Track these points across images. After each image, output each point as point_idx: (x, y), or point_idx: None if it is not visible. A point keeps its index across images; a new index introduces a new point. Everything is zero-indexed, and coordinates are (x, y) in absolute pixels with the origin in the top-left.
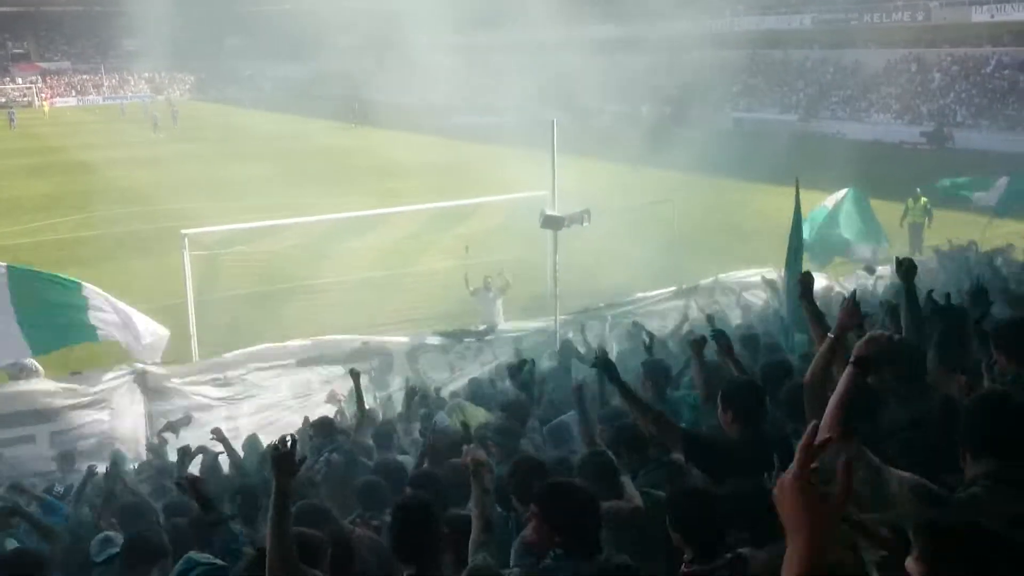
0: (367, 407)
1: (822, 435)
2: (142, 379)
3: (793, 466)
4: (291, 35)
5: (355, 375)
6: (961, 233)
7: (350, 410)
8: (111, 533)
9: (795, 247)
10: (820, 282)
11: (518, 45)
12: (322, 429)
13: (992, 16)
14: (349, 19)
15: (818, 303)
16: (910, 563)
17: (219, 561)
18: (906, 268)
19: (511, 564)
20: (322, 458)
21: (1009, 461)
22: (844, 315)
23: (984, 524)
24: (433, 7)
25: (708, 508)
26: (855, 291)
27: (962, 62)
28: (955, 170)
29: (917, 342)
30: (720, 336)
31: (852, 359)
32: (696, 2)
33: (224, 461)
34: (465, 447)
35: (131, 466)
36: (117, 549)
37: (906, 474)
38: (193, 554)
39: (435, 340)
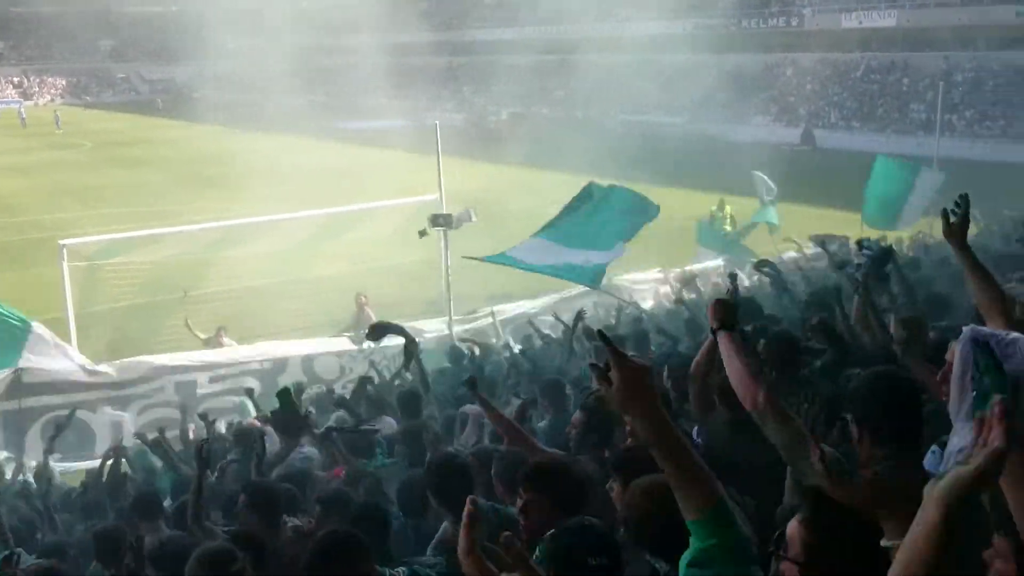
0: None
1: (748, 402)
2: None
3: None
4: (168, 37)
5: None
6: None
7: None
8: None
9: None
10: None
11: (403, 48)
12: (240, 438)
13: (860, 23)
14: (226, 21)
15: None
16: (793, 524)
17: None
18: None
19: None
20: (219, 464)
21: (907, 443)
22: (713, 311)
23: (863, 516)
24: (315, 8)
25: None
26: (731, 288)
27: (834, 66)
28: (828, 169)
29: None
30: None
31: (712, 329)
32: (583, 7)
33: None
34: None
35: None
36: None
37: (826, 447)
38: None
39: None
